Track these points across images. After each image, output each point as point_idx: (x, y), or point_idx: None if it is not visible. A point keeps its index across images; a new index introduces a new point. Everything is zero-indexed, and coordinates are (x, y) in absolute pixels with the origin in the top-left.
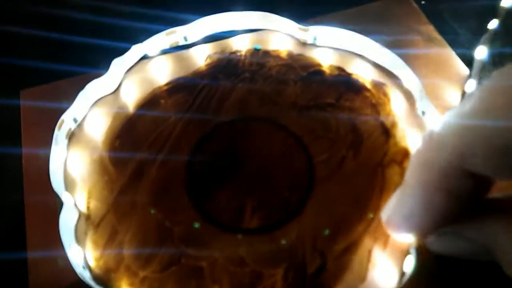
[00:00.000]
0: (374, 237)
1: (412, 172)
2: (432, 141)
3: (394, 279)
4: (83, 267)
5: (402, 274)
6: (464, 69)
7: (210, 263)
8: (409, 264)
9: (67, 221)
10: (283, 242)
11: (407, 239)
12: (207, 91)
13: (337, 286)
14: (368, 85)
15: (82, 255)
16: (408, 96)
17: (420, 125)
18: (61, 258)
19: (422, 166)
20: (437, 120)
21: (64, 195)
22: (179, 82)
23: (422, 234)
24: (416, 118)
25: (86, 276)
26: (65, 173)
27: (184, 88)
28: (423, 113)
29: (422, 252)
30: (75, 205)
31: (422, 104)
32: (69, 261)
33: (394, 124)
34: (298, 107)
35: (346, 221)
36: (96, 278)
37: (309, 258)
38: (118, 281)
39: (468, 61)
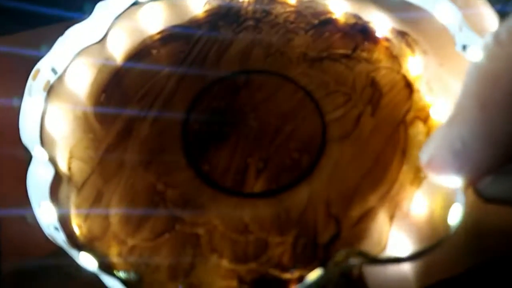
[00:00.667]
0: (395, 202)
1: (468, 91)
2: (502, 46)
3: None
4: (56, 228)
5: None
6: None
7: (208, 230)
8: (456, 214)
9: (37, 177)
10: (292, 207)
11: (454, 183)
12: (205, 41)
13: (352, 256)
14: (388, 34)
15: (54, 214)
16: (442, 33)
17: (459, 66)
18: (30, 216)
19: (486, 80)
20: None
21: (35, 149)
22: (173, 31)
23: (478, 174)
24: (453, 58)
25: (58, 238)
26: (42, 130)
27: (179, 38)
28: (464, 47)
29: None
30: (53, 162)
31: (462, 36)
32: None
33: (418, 77)
34: (309, 58)
35: (364, 185)
36: (74, 242)
37: (322, 225)
38: (104, 249)
39: None
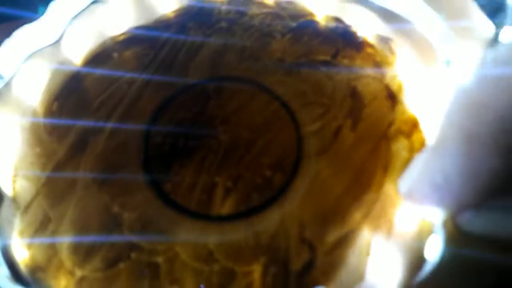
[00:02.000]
0: (375, 225)
1: (452, 120)
2: (488, 75)
3: (403, 274)
4: None
5: (418, 265)
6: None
7: (169, 258)
8: (434, 248)
9: None
10: (262, 231)
11: (433, 215)
12: (172, 45)
13: (329, 286)
14: (372, 40)
15: None
16: (424, 45)
17: (442, 80)
18: None
19: (472, 109)
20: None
21: None
22: (137, 32)
23: (459, 207)
24: (435, 73)
25: None
26: None
27: (144, 40)
28: (448, 62)
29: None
30: None
31: (445, 50)
32: None
33: (402, 87)
34: (286, 65)
35: (341, 206)
36: (17, 275)
37: (295, 251)
38: (48, 281)
39: (496, 9)
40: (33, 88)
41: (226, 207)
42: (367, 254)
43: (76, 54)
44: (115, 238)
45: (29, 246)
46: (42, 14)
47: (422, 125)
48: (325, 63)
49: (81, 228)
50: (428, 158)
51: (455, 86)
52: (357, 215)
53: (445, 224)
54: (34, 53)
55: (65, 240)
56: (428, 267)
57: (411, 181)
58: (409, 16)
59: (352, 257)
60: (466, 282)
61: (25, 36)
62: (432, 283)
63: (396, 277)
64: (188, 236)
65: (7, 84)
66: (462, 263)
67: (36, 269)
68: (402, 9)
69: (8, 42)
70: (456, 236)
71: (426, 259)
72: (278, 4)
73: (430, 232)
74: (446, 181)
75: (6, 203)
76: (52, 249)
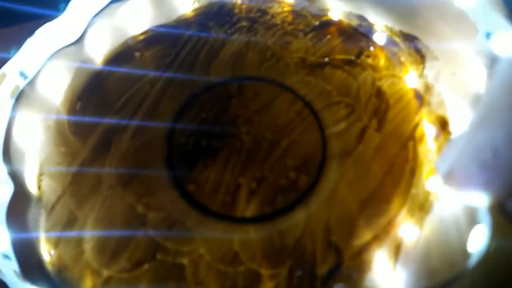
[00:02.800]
0: (403, 229)
1: (501, 91)
2: None
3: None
4: (5, 256)
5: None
6: None
7: (194, 259)
8: (479, 240)
9: None
10: (288, 233)
11: (478, 200)
12: (194, 44)
13: None
14: (397, 38)
15: (6, 240)
16: (462, 19)
17: (473, 75)
18: None
19: None
20: None
21: None
22: (158, 31)
23: (510, 190)
24: (467, 66)
25: (4, 269)
26: (9, 141)
27: (165, 39)
28: (488, 35)
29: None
30: (18, 179)
31: (486, 22)
32: None
33: (429, 87)
34: (308, 64)
35: (368, 209)
36: (26, 271)
37: (321, 255)
38: (75, 280)
39: None
40: (57, 87)
41: (250, 209)
42: (396, 258)
43: (98, 53)
44: (140, 238)
45: (56, 244)
46: (63, 11)
47: (450, 126)
48: (349, 62)
49: (106, 227)
50: (473, 133)
51: (499, 58)
52: (384, 219)
53: (490, 211)
54: (57, 52)
55: (91, 239)
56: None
57: (452, 161)
58: None
59: (378, 262)
60: None
61: (48, 35)
62: (476, 275)
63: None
64: (212, 238)
65: (31, 83)
66: (510, 254)
67: (63, 267)
68: None
69: (31, 41)
70: (504, 225)
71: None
72: (299, 2)
73: (472, 221)
74: (496, 156)
75: (33, 203)
76: (79, 249)
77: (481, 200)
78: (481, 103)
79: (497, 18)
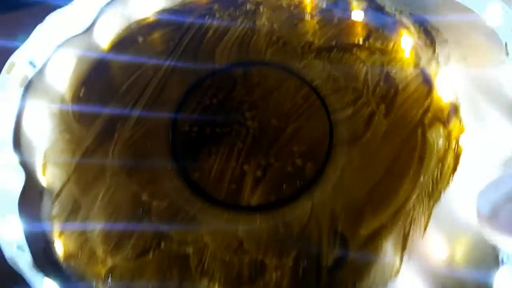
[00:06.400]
0: (410, 219)
1: None
2: None
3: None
4: (18, 248)
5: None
6: None
7: (199, 248)
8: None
9: (4, 185)
10: (293, 222)
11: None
12: (198, 28)
13: (361, 282)
14: (406, 21)
15: (20, 230)
16: (464, 19)
17: (485, 59)
18: None
19: None
20: None
21: (5, 152)
22: (162, 16)
23: None
24: (478, 50)
25: (20, 261)
26: (18, 130)
27: (169, 24)
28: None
29: None
30: (28, 168)
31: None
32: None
33: (438, 72)
34: (315, 48)
35: (375, 197)
36: (42, 262)
37: (326, 245)
38: (81, 269)
39: None
40: (62, 75)
41: (255, 197)
42: (403, 248)
43: (104, 39)
44: (144, 226)
45: (61, 233)
46: None
47: (461, 112)
48: (357, 46)
49: (110, 216)
50: None
51: None
52: (391, 208)
53: None
54: (66, 41)
55: (96, 227)
56: None
57: (497, 198)
58: (474, 7)
59: (387, 251)
60: None
61: (57, 22)
62: None
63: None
64: (217, 225)
65: (39, 72)
66: None
67: (68, 256)
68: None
69: (40, 28)
70: None
71: None
72: None
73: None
74: None
75: (42, 192)
76: (83, 237)
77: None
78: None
79: None
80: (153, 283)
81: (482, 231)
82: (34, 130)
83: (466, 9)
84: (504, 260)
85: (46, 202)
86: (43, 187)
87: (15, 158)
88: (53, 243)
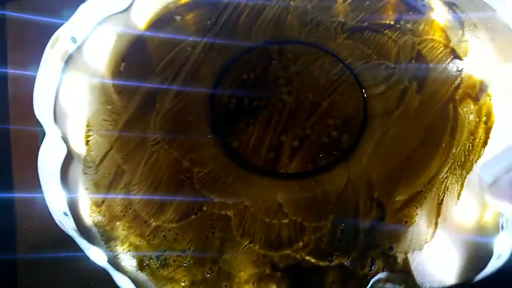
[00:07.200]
0: (444, 187)
1: None
2: None
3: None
4: (64, 214)
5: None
6: None
7: (239, 211)
8: (505, 244)
9: (49, 157)
10: (330, 189)
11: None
12: (234, 7)
13: (398, 245)
14: (436, 4)
15: (64, 199)
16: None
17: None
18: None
19: None
20: None
21: (47, 125)
22: None
23: None
24: (505, 32)
25: (67, 225)
26: (57, 102)
27: (206, 3)
28: None
29: None
30: (65, 139)
31: None
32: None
33: (467, 52)
34: (348, 28)
35: (409, 166)
36: (86, 226)
37: (363, 209)
38: (125, 230)
39: None
40: (101, 50)
41: (293, 166)
42: (438, 215)
43: (142, 18)
44: (187, 192)
45: (104, 198)
46: None
47: (490, 89)
48: (389, 27)
49: (153, 180)
50: None
51: None
52: (425, 177)
53: None
54: (106, 18)
55: (139, 190)
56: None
57: (498, 170)
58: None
59: (421, 217)
60: None
61: (98, 1)
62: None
63: (455, 270)
64: (256, 191)
65: (79, 48)
66: None
67: (112, 218)
68: None
69: (83, 6)
70: None
71: (493, 253)
72: None
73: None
74: None
75: (79, 158)
76: (127, 200)
77: None
78: None
79: None
80: (194, 244)
81: (485, 198)
82: (75, 101)
83: None
84: (504, 226)
85: (88, 170)
86: (84, 157)
87: (56, 130)
88: (98, 206)
